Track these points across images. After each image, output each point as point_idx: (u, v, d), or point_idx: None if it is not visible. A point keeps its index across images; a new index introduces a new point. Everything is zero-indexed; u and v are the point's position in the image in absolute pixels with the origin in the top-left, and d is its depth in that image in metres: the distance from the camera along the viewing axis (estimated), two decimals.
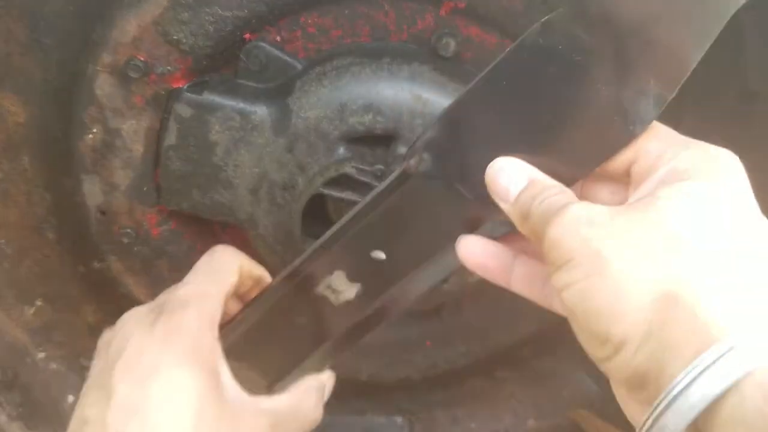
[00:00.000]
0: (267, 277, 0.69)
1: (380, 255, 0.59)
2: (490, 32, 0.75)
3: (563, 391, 1.03)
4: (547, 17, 0.50)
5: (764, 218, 0.44)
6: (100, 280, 0.89)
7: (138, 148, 0.78)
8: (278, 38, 0.75)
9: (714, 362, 0.36)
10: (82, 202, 0.82)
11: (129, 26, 0.72)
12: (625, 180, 0.49)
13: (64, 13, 0.73)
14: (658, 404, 0.37)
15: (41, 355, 0.95)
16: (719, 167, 0.45)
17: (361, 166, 0.73)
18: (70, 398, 0.97)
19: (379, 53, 0.74)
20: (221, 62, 0.76)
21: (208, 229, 0.86)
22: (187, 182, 0.78)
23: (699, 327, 0.38)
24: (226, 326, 0.66)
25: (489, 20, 0.74)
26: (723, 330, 0.37)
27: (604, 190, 0.51)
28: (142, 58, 0.73)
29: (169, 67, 0.74)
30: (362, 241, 0.60)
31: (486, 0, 0.72)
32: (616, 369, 0.41)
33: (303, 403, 0.64)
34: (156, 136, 0.77)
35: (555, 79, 0.50)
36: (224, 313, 0.64)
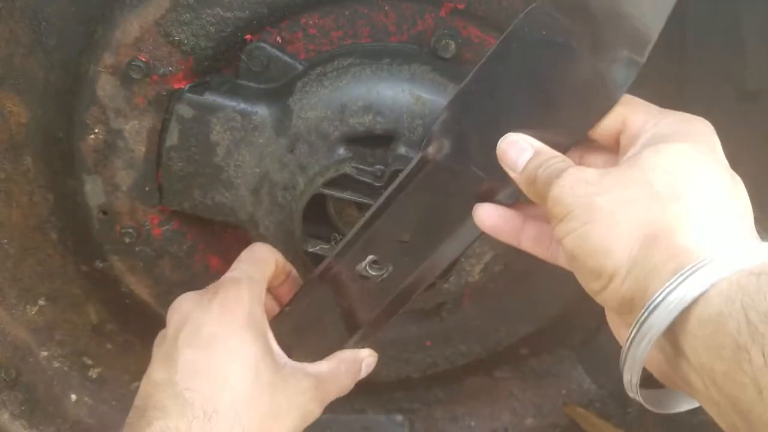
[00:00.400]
0: (296, 273, 0.76)
1: (406, 236, 0.67)
2: (489, 33, 0.75)
3: (562, 390, 1.03)
4: (529, 8, 0.58)
5: (728, 169, 0.52)
6: (102, 280, 0.90)
7: (140, 149, 0.78)
8: (279, 39, 0.75)
9: (686, 278, 0.44)
10: (84, 203, 0.82)
11: (131, 27, 0.72)
12: (616, 149, 0.57)
13: (66, 15, 0.73)
14: (641, 314, 0.46)
15: (44, 353, 0.95)
16: (693, 130, 0.53)
17: (361, 166, 0.73)
18: (73, 397, 0.97)
19: (379, 54, 0.75)
20: (222, 63, 0.76)
21: (210, 229, 0.87)
22: (189, 182, 0.79)
23: (674, 254, 0.46)
24: (275, 317, 0.73)
25: (488, 21, 0.74)
26: (694, 254, 0.46)
27: (599, 159, 0.59)
28: (143, 59, 0.73)
29: (170, 68, 0.74)
30: (389, 226, 0.67)
31: (485, 1, 0.72)
32: (608, 298, 0.50)
33: (340, 370, 0.71)
34: (158, 137, 0.78)
35: (543, 60, 0.59)
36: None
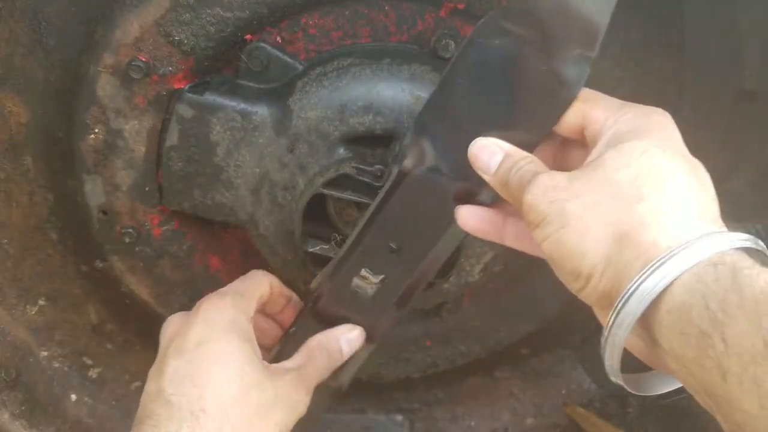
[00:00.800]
0: (297, 299, 0.77)
1: (396, 246, 0.70)
2: None
3: (562, 390, 1.03)
4: (480, 21, 0.62)
5: (689, 158, 0.54)
6: (102, 280, 0.90)
7: (140, 149, 0.78)
8: (279, 39, 0.75)
9: (653, 271, 0.48)
10: (84, 203, 0.82)
11: (131, 27, 0.72)
12: (584, 142, 0.60)
13: (66, 15, 0.73)
14: (615, 306, 0.49)
15: (44, 353, 0.95)
16: (651, 124, 0.55)
17: (361, 166, 0.73)
18: (73, 397, 0.97)
19: (379, 54, 0.75)
20: (222, 63, 0.76)
21: (210, 229, 0.87)
22: (189, 182, 0.79)
23: (643, 250, 0.49)
24: (281, 338, 0.76)
25: None
26: (660, 249, 0.49)
27: (573, 152, 0.62)
28: (143, 59, 0.74)
29: (170, 68, 0.74)
30: (378, 239, 0.69)
31: (485, 1, 0.73)
32: (589, 295, 0.53)
33: (315, 354, 0.72)
34: (158, 137, 0.78)
35: (500, 67, 0.62)
36: (257, 327, 0.73)
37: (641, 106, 0.58)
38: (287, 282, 0.85)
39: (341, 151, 0.74)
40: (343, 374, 0.76)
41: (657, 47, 0.77)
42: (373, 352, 0.76)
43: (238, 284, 0.73)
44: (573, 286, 0.54)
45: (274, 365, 0.70)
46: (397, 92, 0.73)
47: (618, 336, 0.50)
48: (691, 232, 0.49)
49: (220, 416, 0.62)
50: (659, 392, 0.56)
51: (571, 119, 0.60)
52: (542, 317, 0.97)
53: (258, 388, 0.65)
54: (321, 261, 0.75)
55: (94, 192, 0.81)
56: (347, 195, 0.74)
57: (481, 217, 0.64)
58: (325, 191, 0.74)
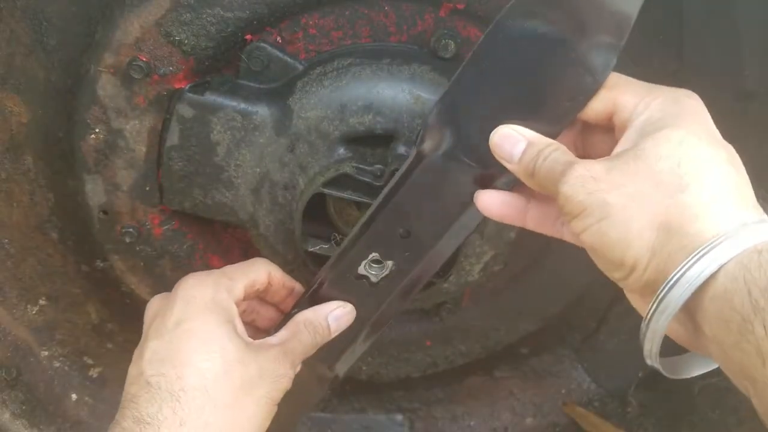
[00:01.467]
0: (300, 288, 0.76)
1: (407, 232, 0.69)
2: None
3: (562, 389, 1.03)
4: (510, 3, 0.60)
5: (723, 144, 0.55)
6: (102, 279, 0.90)
7: (140, 149, 0.78)
8: (279, 39, 0.76)
9: (698, 260, 0.49)
10: (85, 202, 0.82)
11: (131, 27, 0.72)
12: (611, 128, 0.60)
13: (66, 15, 0.74)
14: (659, 293, 0.50)
15: (44, 353, 0.95)
16: (684, 110, 0.56)
17: (361, 166, 0.73)
18: (74, 396, 0.97)
19: (379, 54, 0.75)
20: (223, 63, 0.76)
21: (210, 228, 0.87)
22: (189, 182, 0.79)
23: (687, 241, 0.50)
24: (280, 321, 0.74)
25: (488, 21, 0.73)
26: (704, 238, 0.49)
27: (596, 138, 0.62)
28: (144, 59, 0.74)
29: (171, 68, 0.74)
30: (390, 223, 0.68)
31: (485, 1, 0.73)
32: (631, 284, 0.54)
33: (300, 329, 0.71)
34: (158, 137, 0.78)
35: (527, 50, 0.61)
36: (256, 313, 0.74)
37: (670, 89, 0.58)
38: None
39: (341, 150, 0.74)
40: (341, 363, 0.76)
41: (657, 47, 0.77)
42: (374, 343, 0.76)
43: (228, 266, 0.72)
44: (615, 275, 0.55)
45: (258, 341, 0.69)
46: (397, 92, 0.73)
47: (660, 322, 0.51)
48: (734, 220, 0.50)
49: (201, 395, 0.62)
50: (695, 374, 0.57)
51: (598, 105, 0.60)
52: (542, 317, 0.97)
53: (241, 363, 0.64)
54: (321, 260, 0.75)
55: (94, 192, 0.81)
56: (347, 195, 0.74)
57: (504, 201, 0.63)
58: (325, 191, 0.74)
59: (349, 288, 0.72)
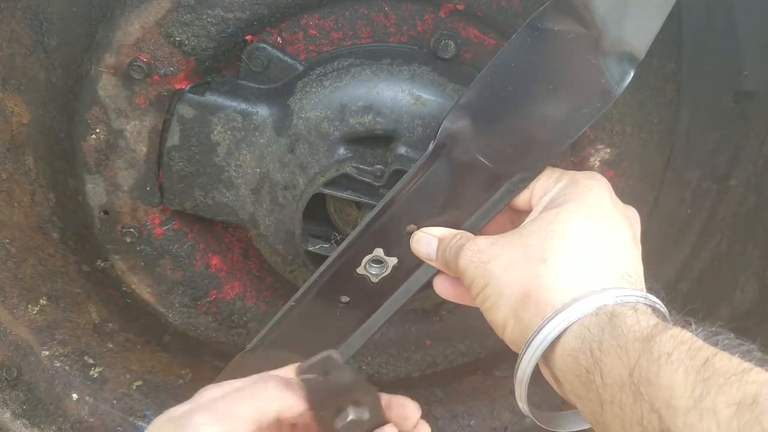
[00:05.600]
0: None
1: (413, 228, 0.70)
2: (488, 33, 0.75)
3: None
4: (542, 7, 0.62)
5: (612, 217, 0.61)
6: (103, 279, 0.90)
7: (141, 149, 0.79)
8: (280, 40, 0.76)
9: (544, 325, 0.56)
10: (86, 202, 0.82)
11: (132, 28, 0.73)
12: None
13: (67, 15, 0.74)
14: (521, 353, 0.58)
15: (45, 353, 0.95)
16: (579, 190, 0.62)
17: (361, 166, 0.74)
18: (74, 396, 0.97)
19: (379, 55, 0.75)
20: (223, 63, 0.76)
21: (211, 228, 0.87)
22: (190, 182, 0.79)
23: (541, 308, 0.57)
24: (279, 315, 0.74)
25: (488, 22, 0.74)
26: (554, 307, 0.56)
27: (522, 218, 0.65)
28: (145, 60, 0.74)
29: (171, 68, 0.75)
30: (397, 218, 0.69)
31: (485, 2, 0.73)
32: (507, 340, 0.61)
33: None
34: (159, 137, 0.78)
35: (552, 54, 0.63)
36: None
37: (576, 173, 0.64)
38: (287, 281, 0.86)
39: (341, 151, 0.75)
40: (346, 348, 0.75)
41: (656, 47, 0.77)
42: (374, 342, 0.76)
43: (238, 399, 0.60)
44: (497, 333, 0.62)
45: None
46: (397, 92, 0.73)
47: (523, 379, 0.58)
48: (584, 288, 0.56)
49: None
50: (569, 429, 0.63)
51: (526, 191, 0.66)
52: None
53: None
54: (321, 260, 0.75)
55: (95, 192, 0.82)
56: (347, 195, 0.74)
57: (455, 287, 0.69)
58: (326, 191, 0.74)
59: (349, 283, 0.72)
